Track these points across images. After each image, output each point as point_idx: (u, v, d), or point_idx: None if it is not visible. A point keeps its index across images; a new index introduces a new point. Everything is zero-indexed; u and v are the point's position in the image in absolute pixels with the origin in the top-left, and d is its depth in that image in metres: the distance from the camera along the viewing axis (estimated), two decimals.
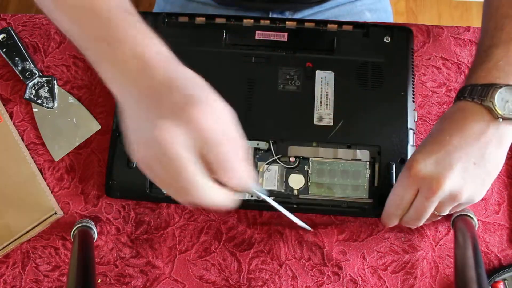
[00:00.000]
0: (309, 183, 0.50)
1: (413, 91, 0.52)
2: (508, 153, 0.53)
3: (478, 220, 0.51)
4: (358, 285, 0.50)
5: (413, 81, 0.53)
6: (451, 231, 0.51)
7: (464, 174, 0.40)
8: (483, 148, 0.40)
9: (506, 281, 0.50)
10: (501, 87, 0.39)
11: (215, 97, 0.34)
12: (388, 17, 0.74)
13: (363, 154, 0.50)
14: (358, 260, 0.51)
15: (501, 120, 0.39)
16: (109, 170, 0.51)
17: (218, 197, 0.34)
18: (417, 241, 0.51)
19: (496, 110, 0.39)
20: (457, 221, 0.49)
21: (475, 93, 0.40)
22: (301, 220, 0.52)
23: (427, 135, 0.44)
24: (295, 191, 0.50)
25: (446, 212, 0.44)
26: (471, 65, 0.44)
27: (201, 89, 0.34)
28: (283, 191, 0.50)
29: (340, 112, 0.51)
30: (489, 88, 0.39)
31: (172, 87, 0.33)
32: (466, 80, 0.43)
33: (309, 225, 0.52)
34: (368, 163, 0.50)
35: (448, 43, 0.58)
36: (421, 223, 0.45)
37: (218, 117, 0.33)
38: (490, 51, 0.41)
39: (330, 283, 0.50)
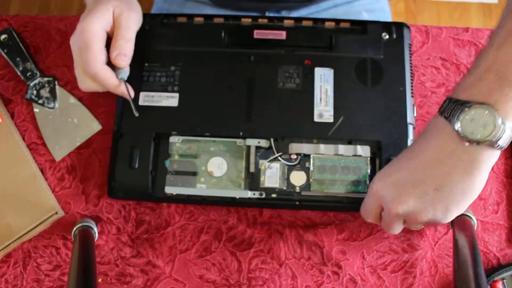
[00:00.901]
0: (310, 180, 0.50)
1: (411, 86, 0.52)
2: (506, 153, 0.54)
3: (477, 219, 0.52)
4: (358, 285, 0.51)
5: (411, 76, 0.53)
6: (450, 230, 0.52)
7: (422, 199, 0.37)
8: (446, 174, 0.35)
9: (505, 280, 0.50)
10: (471, 106, 0.34)
11: (100, 20, 0.48)
12: (386, 17, 0.74)
13: (363, 150, 0.50)
14: (357, 259, 0.51)
15: (467, 144, 0.35)
16: (111, 171, 0.51)
17: (84, 83, 0.49)
18: (416, 241, 0.52)
19: (462, 133, 0.34)
20: (456, 221, 0.49)
21: (448, 109, 0.36)
22: (302, 219, 0.53)
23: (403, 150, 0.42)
24: (297, 188, 0.50)
25: (416, 228, 0.42)
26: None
27: (98, 11, 0.47)
28: (285, 188, 0.50)
29: (340, 108, 0.51)
30: (460, 107, 0.35)
31: (97, 2, 0.49)
32: (455, 88, 0.38)
33: (309, 224, 0.52)
34: (369, 158, 0.50)
35: (447, 43, 0.59)
36: (396, 232, 0.44)
37: (90, 31, 0.47)
38: (480, 56, 0.36)
39: (329, 283, 0.51)
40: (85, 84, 0.49)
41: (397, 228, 0.43)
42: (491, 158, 0.35)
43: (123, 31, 0.49)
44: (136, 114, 0.51)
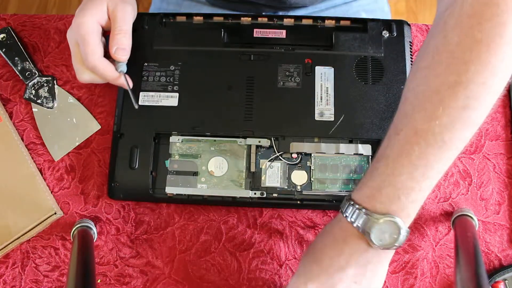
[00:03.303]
0: (312, 179, 0.50)
1: None
2: (508, 153, 0.54)
3: (478, 220, 0.51)
4: None
5: None
6: (452, 231, 0.51)
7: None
8: (363, 268, 0.39)
9: (506, 281, 0.50)
10: (378, 220, 0.38)
11: (95, 13, 0.49)
12: (386, 17, 0.74)
13: (365, 148, 0.50)
14: None
15: (375, 248, 0.39)
16: (111, 172, 0.51)
17: (83, 75, 0.50)
18: (417, 241, 0.51)
19: (372, 241, 0.38)
20: (457, 221, 0.49)
21: (356, 217, 0.39)
22: (302, 219, 0.52)
23: (309, 251, 0.42)
24: (298, 187, 0.50)
25: None
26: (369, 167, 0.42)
27: (92, 6, 0.49)
28: (286, 187, 0.50)
29: (341, 107, 0.51)
30: (368, 219, 0.38)
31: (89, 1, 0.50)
32: (355, 189, 0.41)
33: (309, 225, 0.52)
34: (370, 157, 0.50)
35: None
36: None
37: (86, 25, 0.48)
38: (379, 164, 0.39)
39: None
40: (84, 76, 0.50)
41: None
42: (391, 254, 0.41)
43: (120, 25, 0.49)
44: (136, 106, 0.50)
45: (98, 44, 0.49)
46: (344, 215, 0.40)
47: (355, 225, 0.39)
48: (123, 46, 0.49)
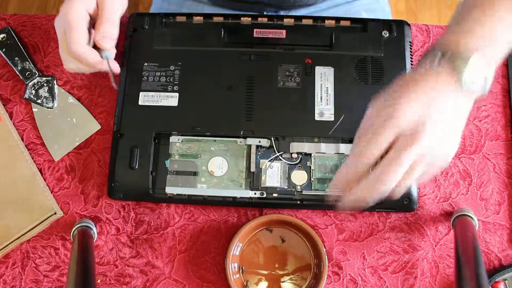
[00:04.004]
0: (312, 179, 0.50)
1: None
2: (508, 153, 0.54)
3: (478, 220, 0.51)
4: (358, 285, 0.50)
5: None
6: (451, 231, 0.51)
7: (441, 128, 0.39)
8: (447, 104, 0.39)
9: (506, 281, 0.50)
10: (471, 59, 0.39)
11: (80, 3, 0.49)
12: (386, 17, 0.74)
13: None
14: (358, 260, 0.51)
15: (465, 90, 0.39)
16: (111, 172, 0.51)
17: (69, 64, 0.50)
18: (417, 241, 0.51)
19: (462, 81, 0.39)
20: (457, 221, 0.49)
21: (449, 58, 0.39)
22: (303, 219, 0.52)
23: (402, 76, 0.41)
24: (298, 187, 0.50)
25: (415, 176, 0.38)
26: (451, 19, 0.42)
27: None
28: (286, 187, 0.50)
29: (341, 107, 0.51)
30: (462, 59, 0.39)
31: None
32: (441, 38, 0.41)
33: (309, 224, 0.52)
34: None
35: None
36: (381, 193, 0.38)
37: (73, 12, 0.48)
38: (463, 14, 0.40)
39: (330, 283, 0.50)
40: (70, 65, 0.50)
41: (396, 176, 0.38)
42: (471, 104, 0.41)
43: (107, 14, 0.49)
44: (116, 87, 0.51)
45: (84, 32, 0.48)
46: (432, 61, 0.40)
47: (448, 65, 0.39)
48: (108, 34, 0.49)
